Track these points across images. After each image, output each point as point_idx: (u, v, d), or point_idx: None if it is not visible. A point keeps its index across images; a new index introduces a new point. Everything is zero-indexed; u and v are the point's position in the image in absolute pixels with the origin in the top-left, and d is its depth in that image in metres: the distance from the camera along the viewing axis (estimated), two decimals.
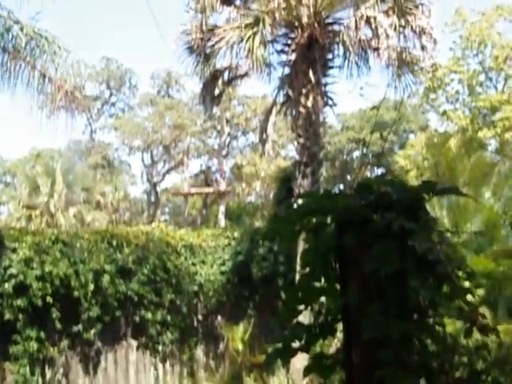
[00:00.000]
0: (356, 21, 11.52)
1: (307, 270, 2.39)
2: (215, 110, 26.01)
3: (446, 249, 2.18)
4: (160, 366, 13.28)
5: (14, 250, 11.40)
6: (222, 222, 31.07)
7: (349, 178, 37.90)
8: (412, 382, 2.01)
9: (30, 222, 24.01)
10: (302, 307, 2.37)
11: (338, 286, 2.32)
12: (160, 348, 13.10)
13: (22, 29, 10.71)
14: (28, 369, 11.13)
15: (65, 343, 11.83)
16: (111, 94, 39.28)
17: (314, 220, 2.29)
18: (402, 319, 2.07)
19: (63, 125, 12.08)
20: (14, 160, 37.15)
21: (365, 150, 31.04)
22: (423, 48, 12.40)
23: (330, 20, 12.87)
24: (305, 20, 11.83)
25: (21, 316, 11.15)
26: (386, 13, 11.97)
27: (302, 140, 12.53)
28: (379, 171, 37.40)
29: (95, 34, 54.89)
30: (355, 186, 2.38)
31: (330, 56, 12.86)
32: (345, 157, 38.09)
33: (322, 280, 2.37)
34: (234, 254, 14.06)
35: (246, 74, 13.56)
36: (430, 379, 2.09)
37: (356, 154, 38.62)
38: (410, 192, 2.22)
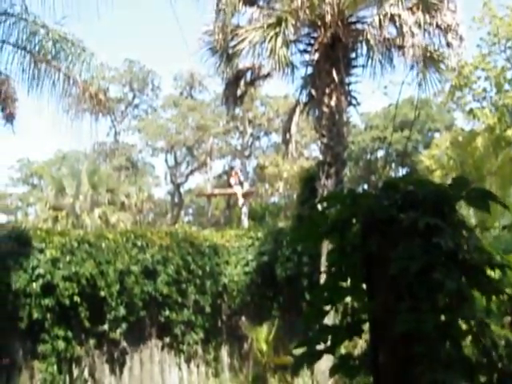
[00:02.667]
0: (380, 19, 11.40)
1: (333, 270, 2.36)
2: (238, 110, 26.04)
3: (476, 244, 2.13)
4: (184, 366, 13.34)
5: (42, 251, 11.58)
6: (245, 222, 31.09)
7: (373, 177, 37.61)
8: (450, 376, 1.96)
9: (57, 223, 24.37)
10: (327, 308, 2.34)
11: (364, 286, 2.29)
12: (184, 348, 13.17)
13: (47, 33, 10.87)
14: (56, 367, 11.30)
15: (91, 342, 11.97)
16: (134, 96, 39.66)
17: (339, 220, 2.27)
18: (430, 315, 2.03)
19: (88, 127, 12.20)
20: (41, 162, 37.79)
21: (389, 150, 30.76)
22: (449, 45, 12.22)
23: (353, 19, 12.77)
24: (328, 19, 11.76)
25: (49, 315, 11.33)
26: (411, 10, 11.82)
27: (325, 140, 12.46)
28: (403, 171, 37.05)
29: (118, 35, 55.48)
30: (381, 184, 2.35)
31: (353, 55, 12.76)
32: (368, 156, 37.80)
33: (348, 280, 2.34)
34: (257, 255, 14.06)
35: (268, 75, 13.54)
36: (469, 373, 2.05)
37: (380, 153, 38.31)
38: (437, 191, 2.18)
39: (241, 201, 27.53)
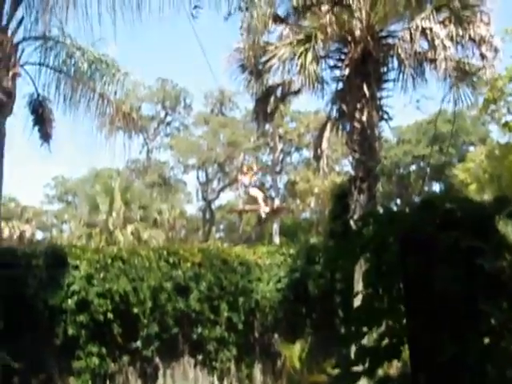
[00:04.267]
0: (411, 33, 11.31)
1: (369, 290, 2.31)
2: (268, 126, 26.07)
3: None
4: (217, 383, 13.27)
5: (77, 267, 11.73)
6: (277, 238, 31.00)
7: (406, 192, 37.10)
8: None
9: (90, 240, 24.75)
10: (365, 329, 2.29)
11: (402, 307, 2.23)
12: (217, 365, 13.10)
13: (83, 54, 11.16)
14: None
15: (125, 359, 12.02)
16: (167, 114, 40.24)
17: (376, 239, 2.22)
18: (475, 341, 1.96)
19: (121, 145, 12.41)
20: (75, 180, 38.56)
21: (422, 164, 30.34)
22: (483, 57, 12.02)
23: (383, 33, 12.71)
24: (358, 34, 11.73)
25: (83, 332, 11.43)
26: (443, 23, 11.69)
27: (357, 155, 12.37)
28: (438, 185, 36.46)
29: (152, 54, 56.53)
30: (419, 202, 2.29)
31: (384, 69, 12.67)
32: (401, 171, 37.36)
33: (386, 301, 2.29)
34: (289, 271, 13.97)
35: (298, 91, 13.56)
36: None
37: (413, 167, 37.83)
38: (477, 209, 2.12)
39: (263, 207, 20.93)
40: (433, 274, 2.03)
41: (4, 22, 10.05)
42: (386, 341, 2.25)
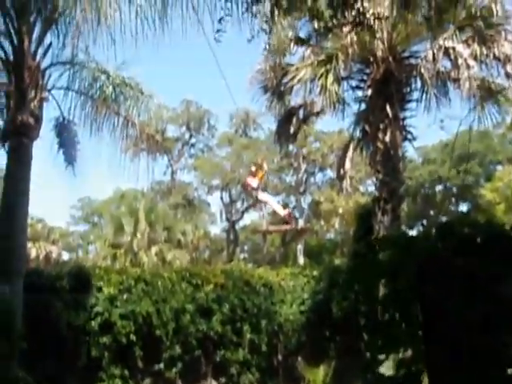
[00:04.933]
0: (434, 53, 11.25)
1: (386, 316, 2.25)
2: (291, 147, 26.06)
3: None
4: None
5: (100, 289, 11.81)
6: (301, 259, 30.78)
7: (432, 212, 36.59)
8: None
9: (115, 261, 24.94)
10: (382, 357, 2.22)
11: (421, 335, 2.16)
12: None
13: (108, 78, 11.36)
14: None
15: (147, 381, 11.98)
16: (191, 135, 40.63)
17: (392, 264, 2.17)
18: (497, 372, 1.88)
19: (146, 166, 12.52)
20: (101, 201, 39.05)
21: (448, 184, 29.92)
22: (508, 76, 11.87)
23: (406, 53, 12.66)
24: (380, 55, 11.72)
25: (106, 353, 11.46)
26: (466, 42, 11.61)
27: (380, 176, 12.25)
28: (464, 206, 35.87)
29: (177, 76, 57.33)
30: (436, 227, 2.23)
31: (407, 90, 12.60)
32: (427, 191, 36.90)
33: (404, 328, 2.22)
34: (313, 293, 13.81)
35: (321, 111, 13.55)
36: None
37: (439, 187, 37.34)
38: (498, 234, 2.05)
39: (280, 211, 17.18)
40: (451, 302, 1.96)
41: (33, 48, 10.30)
42: (404, 369, 2.18)
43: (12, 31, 9.94)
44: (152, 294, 12.17)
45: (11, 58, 10.09)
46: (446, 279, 1.99)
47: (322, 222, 33.57)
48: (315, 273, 14.31)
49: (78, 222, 42.89)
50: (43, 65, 10.37)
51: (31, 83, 10.01)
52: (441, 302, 2.02)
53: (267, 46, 7.89)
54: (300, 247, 32.08)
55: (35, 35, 10.18)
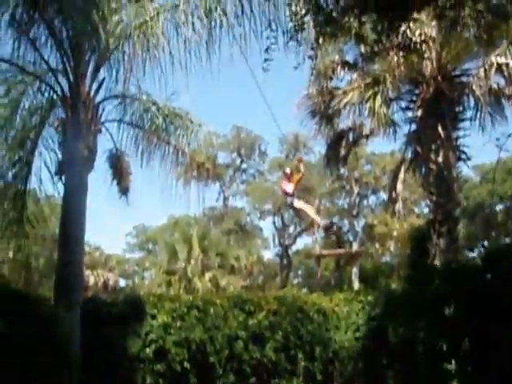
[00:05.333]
0: (486, 70, 10.99)
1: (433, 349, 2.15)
2: (343, 170, 25.86)
3: None
4: None
5: (154, 317, 11.93)
6: (356, 283, 30.22)
7: (493, 233, 35.25)
8: None
9: (170, 287, 25.24)
10: None
11: (470, 369, 2.05)
12: None
13: (158, 109, 11.69)
14: None
15: None
16: (242, 161, 41.04)
17: (438, 297, 2.07)
18: None
19: (197, 193, 12.72)
20: (155, 228, 39.82)
21: (509, 204, 28.75)
22: None
23: (456, 72, 12.43)
24: (429, 75, 11.54)
25: (161, 381, 11.50)
26: None
27: (434, 197, 11.97)
28: None
29: (227, 103, 58.31)
30: (483, 255, 2.13)
31: (459, 108, 12.33)
32: (486, 211, 35.62)
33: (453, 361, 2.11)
34: (368, 319, 13.45)
35: (370, 134, 13.43)
36: None
37: (499, 207, 35.99)
38: None
39: (319, 220, 14.69)
40: (501, 334, 1.86)
41: (88, 84, 10.75)
42: None
43: (68, 69, 10.40)
44: (205, 321, 12.18)
45: (68, 94, 10.53)
46: (495, 310, 1.89)
47: (377, 245, 32.92)
48: (370, 298, 13.95)
49: (134, 249, 43.87)
50: (97, 99, 10.78)
51: (86, 117, 10.40)
52: (492, 335, 1.92)
53: (313, 72, 7.92)
54: (355, 271, 31.54)
55: (89, 72, 10.60)
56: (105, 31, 10.16)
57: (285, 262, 38.37)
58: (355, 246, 33.36)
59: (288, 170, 10.38)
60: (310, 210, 11.32)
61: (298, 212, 12.22)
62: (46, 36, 10.20)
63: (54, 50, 10.33)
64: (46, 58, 10.37)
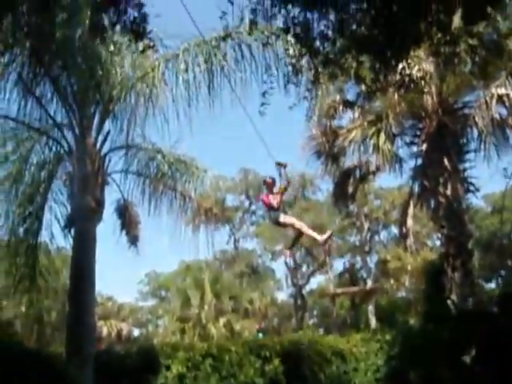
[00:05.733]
0: (487, 101, 11.04)
1: None
2: (352, 206, 25.73)
3: None
4: None
5: (168, 367, 11.70)
6: (373, 321, 29.67)
7: (510, 263, 34.68)
8: None
9: (184, 335, 24.86)
10: None
11: None
12: None
13: (163, 157, 11.78)
14: None
15: None
16: (251, 203, 41.02)
17: (452, 343, 1.99)
18: None
19: (207, 237, 12.67)
20: (167, 274, 39.56)
21: None
22: None
23: (458, 105, 12.49)
24: (430, 109, 11.59)
25: None
26: None
27: (446, 231, 11.82)
28: None
29: (233, 146, 58.85)
30: (497, 297, 2.05)
31: (463, 140, 12.33)
32: (500, 241, 35.15)
33: None
34: (387, 359, 13.11)
35: (377, 170, 13.42)
36: None
37: None
38: None
39: (316, 235, 9.05)
40: None
41: (93, 136, 10.87)
42: None
43: (74, 123, 10.55)
44: (220, 370, 11.93)
45: (74, 147, 10.65)
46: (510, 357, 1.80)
47: (392, 281, 32.42)
48: (388, 337, 13.64)
49: (146, 297, 43.49)
50: (103, 151, 10.88)
51: (93, 169, 10.47)
52: (509, 380, 1.83)
53: (311, 113, 7.98)
54: (371, 308, 31.02)
55: (95, 124, 10.74)
56: (108, 84, 10.36)
57: (299, 302, 37.84)
58: (369, 283, 32.92)
59: (269, 179, 8.30)
60: (303, 227, 8.19)
61: (288, 229, 9.27)
62: (51, 92, 10.40)
63: (60, 106, 10.51)
64: (51, 113, 10.55)
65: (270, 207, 8.18)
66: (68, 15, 9.11)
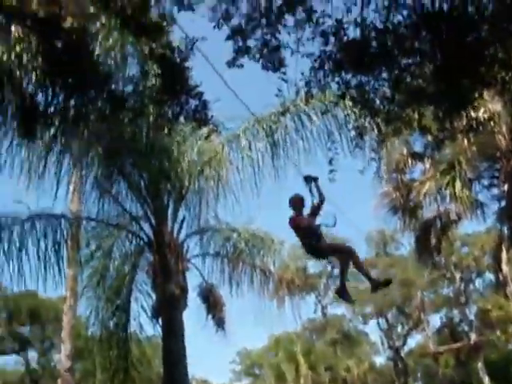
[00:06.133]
0: None
1: None
2: (438, 258, 24.60)
3: None
4: None
5: None
6: (486, 379, 27.47)
7: None
8: None
9: None
10: None
11: None
12: None
13: (239, 235, 11.86)
14: None
15: None
16: (333, 267, 40.20)
17: None
18: None
19: (293, 308, 12.44)
20: (258, 350, 38.79)
21: None
22: None
23: None
24: (505, 148, 11.12)
25: None
26: None
27: None
28: None
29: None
30: None
31: None
32: None
33: None
34: None
35: (458, 218, 12.85)
36: None
37: None
38: None
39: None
40: None
41: (169, 225, 11.16)
42: None
43: (150, 215, 10.91)
44: None
45: (152, 238, 10.95)
46: None
47: (498, 332, 30.17)
48: None
49: (240, 376, 42.68)
50: (180, 238, 11.10)
51: (172, 257, 10.67)
52: None
53: (381, 172, 7.85)
54: (480, 365, 28.83)
55: (169, 214, 11.04)
56: (177, 173, 10.71)
57: (399, 365, 35.86)
58: (473, 337, 30.79)
59: (297, 197, 6.68)
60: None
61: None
62: (125, 189, 10.88)
63: (134, 200, 10.94)
64: (127, 208, 10.98)
65: (298, 229, 6.68)
66: (134, 114, 9.65)
